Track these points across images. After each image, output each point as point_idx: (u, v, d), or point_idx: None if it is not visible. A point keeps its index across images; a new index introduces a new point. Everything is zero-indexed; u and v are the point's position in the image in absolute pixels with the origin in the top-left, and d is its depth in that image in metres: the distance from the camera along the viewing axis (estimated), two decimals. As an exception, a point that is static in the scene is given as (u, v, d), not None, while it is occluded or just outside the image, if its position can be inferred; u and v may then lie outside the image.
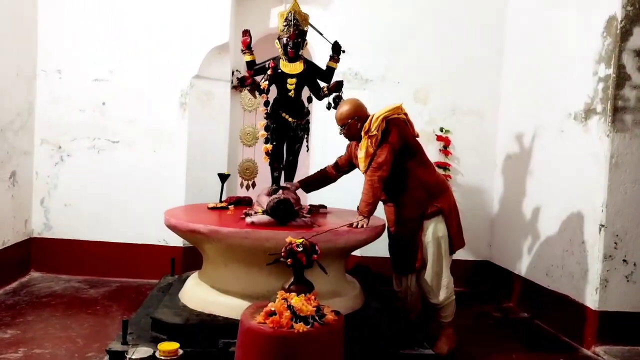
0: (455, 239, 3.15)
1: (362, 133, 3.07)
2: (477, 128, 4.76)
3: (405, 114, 3.17)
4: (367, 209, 3.02)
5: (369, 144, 3.04)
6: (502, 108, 4.73)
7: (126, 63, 4.55)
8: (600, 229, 3.35)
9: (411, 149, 3.12)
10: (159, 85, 4.54)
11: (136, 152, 4.55)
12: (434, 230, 3.09)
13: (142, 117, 4.55)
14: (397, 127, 3.05)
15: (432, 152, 4.55)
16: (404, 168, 3.08)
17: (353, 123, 3.12)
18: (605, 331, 3.33)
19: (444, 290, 3.12)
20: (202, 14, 4.57)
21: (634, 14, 3.27)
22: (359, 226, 2.97)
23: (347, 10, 4.68)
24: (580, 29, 3.64)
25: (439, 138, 4.66)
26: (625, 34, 3.28)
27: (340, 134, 3.23)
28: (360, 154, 3.11)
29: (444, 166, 4.61)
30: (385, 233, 3.31)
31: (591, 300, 3.39)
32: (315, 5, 4.61)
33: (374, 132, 3.02)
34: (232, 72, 4.83)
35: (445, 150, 4.66)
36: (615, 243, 3.34)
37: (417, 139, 3.22)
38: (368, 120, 3.07)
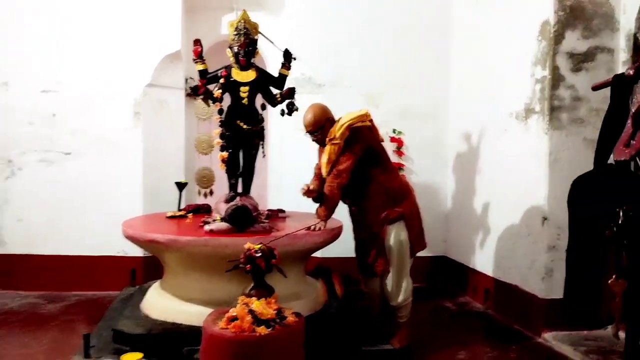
0: (416, 243, 3.28)
1: (327, 139, 3.16)
2: (428, 129, 4.95)
3: (371, 121, 3.25)
4: (325, 213, 3.11)
5: (332, 150, 3.14)
6: (451, 109, 4.94)
7: (76, 73, 4.50)
8: (543, 222, 3.56)
9: (375, 156, 3.23)
10: (111, 95, 4.51)
11: (89, 163, 4.50)
12: (395, 235, 3.20)
13: (94, 127, 4.51)
14: (361, 136, 3.14)
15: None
16: (368, 174, 3.19)
17: (328, 125, 3.20)
18: (552, 318, 3.53)
19: (403, 293, 3.24)
20: (153, 22, 4.57)
21: (565, 19, 3.50)
22: (317, 229, 3.06)
23: (298, 17, 4.78)
24: (517, 34, 3.86)
25: (392, 139, 4.82)
26: (558, 37, 3.50)
27: (313, 140, 3.30)
28: (324, 158, 3.19)
29: (398, 167, 4.76)
30: (344, 234, 3.41)
31: (538, 289, 3.60)
32: (267, 13, 4.69)
33: (338, 141, 3.11)
34: (186, 80, 4.84)
35: (398, 151, 4.82)
36: (558, 235, 3.55)
37: (382, 143, 3.34)
38: (333, 127, 3.17)
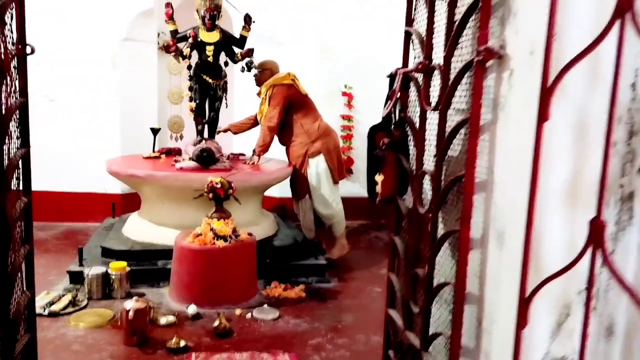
0: (336, 172, 4.09)
1: (261, 92, 4.11)
2: (378, 81, 5.51)
3: (293, 79, 4.08)
4: (259, 150, 4.03)
5: (262, 103, 4.09)
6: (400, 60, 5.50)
7: (57, 28, 4.91)
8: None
9: (297, 105, 4.08)
10: (90, 47, 4.96)
11: (73, 111, 5.00)
12: (315, 166, 4.03)
13: (75, 77, 4.96)
14: (281, 92, 3.99)
15: (339, 106, 5.33)
16: (292, 119, 4.09)
17: (267, 73, 4.13)
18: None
19: (331, 210, 4.07)
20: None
21: None
22: (253, 163, 3.98)
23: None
24: None
25: (343, 94, 5.42)
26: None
27: (254, 75, 4.21)
28: (259, 109, 4.14)
29: (348, 118, 5.42)
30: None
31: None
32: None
33: (264, 96, 4.05)
34: (158, 34, 5.30)
35: (349, 104, 5.44)
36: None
37: (304, 95, 4.12)
38: (264, 86, 4.05)
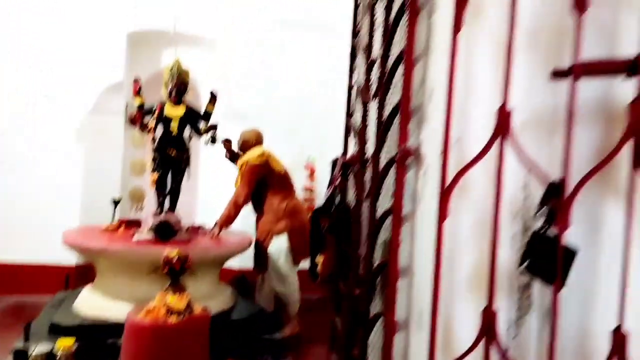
0: (298, 253, 4.09)
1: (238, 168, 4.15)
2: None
3: (269, 156, 4.14)
4: (221, 223, 4.02)
5: (238, 177, 4.14)
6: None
7: (25, 94, 4.99)
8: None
9: (270, 182, 4.13)
10: (57, 116, 5.03)
11: (34, 178, 4.98)
12: (278, 245, 4.05)
13: (39, 143, 5.00)
14: (251, 170, 4.06)
15: (300, 177, 5.46)
16: (264, 196, 4.14)
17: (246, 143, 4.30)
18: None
19: (287, 289, 4.06)
20: (98, 52, 5.14)
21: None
22: (213, 235, 3.96)
23: (228, 55, 5.48)
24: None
25: (306, 166, 5.57)
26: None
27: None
28: (235, 182, 4.17)
29: (310, 190, 5.53)
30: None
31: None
32: (203, 49, 5.38)
33: (239, 171, 4.13)
34: (126, 106, 5.42)
35: (311, 176, 5.58)
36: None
37: (278, 173, 4.17)
38: (239, 160, 4.12)
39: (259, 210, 4.24)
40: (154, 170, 4.08)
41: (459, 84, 1.05)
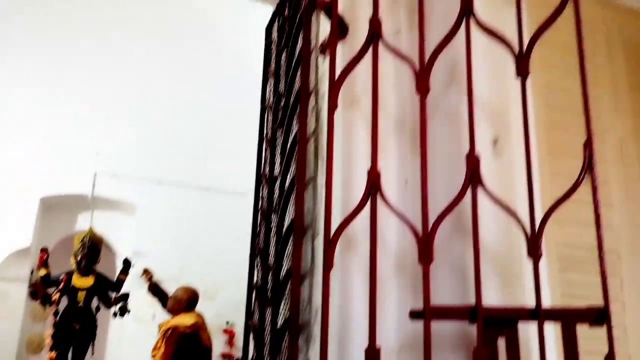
0: None
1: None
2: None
3: (201, 326, 3.77)
4: None
5: (158, 341, 3.67)
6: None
7: None
8: None
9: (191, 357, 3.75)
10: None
11: None
12: None
13: None
14: (180, 340, 3.68)
15: (219, 343, 5.20)
16: None
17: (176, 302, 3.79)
18: None
19: None
20: (8, 216, 4.94)
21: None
22: None
23: (145, 220, 5.48)
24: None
25: (224, 331, 5.36)
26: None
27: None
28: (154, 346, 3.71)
29: (229, 356, 5.26)
30: None
31: None
32: (121, 213, 5.35)
33: (160, 336, 3.67)
34: (32, 272, 5.12)
35: (230, 342, 5.35)
36: None
37: (206, 346, 3.83)
38: (163, 326, 3.73)
39: None
40: (51, 349, 3.76)
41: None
